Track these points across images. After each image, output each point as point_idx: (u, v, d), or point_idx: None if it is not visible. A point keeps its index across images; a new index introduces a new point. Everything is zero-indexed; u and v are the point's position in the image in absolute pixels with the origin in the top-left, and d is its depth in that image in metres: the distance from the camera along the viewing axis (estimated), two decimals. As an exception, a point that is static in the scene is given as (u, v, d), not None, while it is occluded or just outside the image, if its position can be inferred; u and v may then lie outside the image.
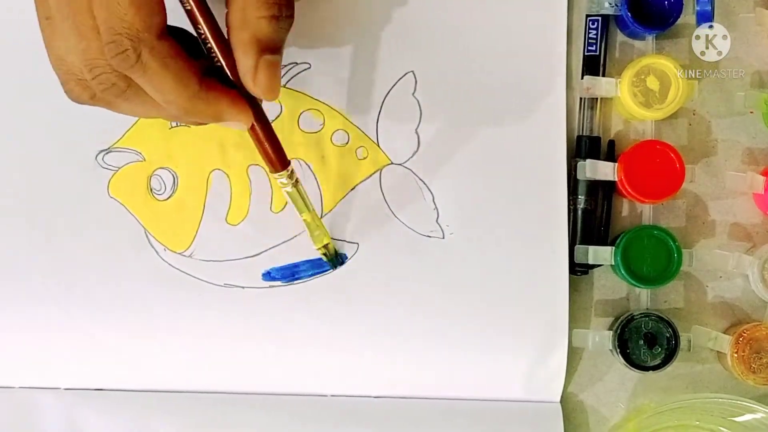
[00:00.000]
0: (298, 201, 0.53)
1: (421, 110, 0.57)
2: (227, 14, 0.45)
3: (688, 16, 0.57)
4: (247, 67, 0.44)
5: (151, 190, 0.57)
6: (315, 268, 0.57)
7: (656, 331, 0.55)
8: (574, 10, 0.58)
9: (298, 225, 0.56)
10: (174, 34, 0.44)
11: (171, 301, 0.56)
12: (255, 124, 0.48)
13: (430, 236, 0.57)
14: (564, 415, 0.56)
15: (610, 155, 0.58)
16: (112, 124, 0.57)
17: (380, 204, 0.57)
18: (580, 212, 0.57)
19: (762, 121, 0.57)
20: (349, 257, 0.57)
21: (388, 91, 0.57)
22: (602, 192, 0.57)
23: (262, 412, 0.56)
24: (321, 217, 0.57)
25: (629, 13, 0.55)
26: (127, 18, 0.41)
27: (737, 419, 0.55)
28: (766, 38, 0.58)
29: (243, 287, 0.56)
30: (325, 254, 0.56)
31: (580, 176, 0.56)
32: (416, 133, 0.57)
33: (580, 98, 0.58)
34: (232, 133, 0.56)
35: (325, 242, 0.55)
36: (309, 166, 0.57)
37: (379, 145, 0.57)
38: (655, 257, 0.55)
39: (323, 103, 0.57)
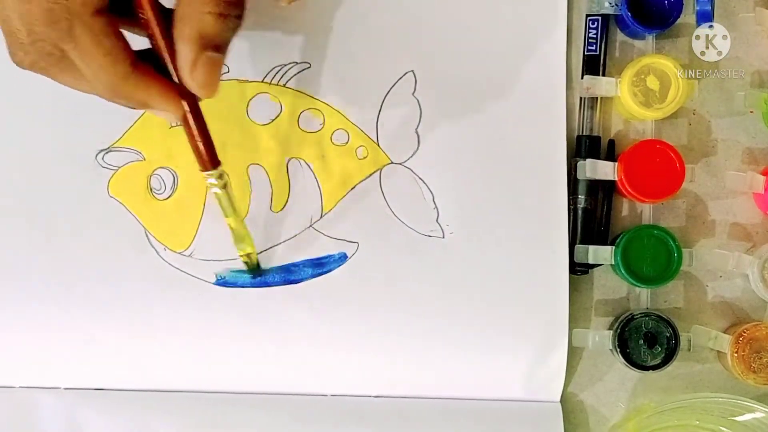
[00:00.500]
0: (225, 204, 0.52)
1: (421, 110, 0.57)
2: (175, 5, 0.44)
3: (688, 16, 0.57)
4: (187, 60, 0.44)
5: (151, 189, 0.57)
6: (315, 268, 0.57)
7: (656, 330, 0.55)
8: (574, 9, 0.58)
9: (298, 224, 0.56)
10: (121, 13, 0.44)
11: (171, 300, 0.56)
12: (189, 118, 0.47)
13: (430, 236, 0.57)
14: (564, 414, 0.56)
15: (610, 155, 0.58)
16: (112, 124, 0.57)
17: (380, 203, 0.57)
18: (580, 212, 0.57)
19: (762, 120, 0.57)
20: (349, 257, 0.57)
21: (388, 91, 0.57)
22: (602, 191, 0.57)
23: (262, 412, 0.56)
24: (321, 216, 0.57)
25: (629, 13, 0.55)
26: None
27: (737, 419, 0.55)
28: (765, 38, 0.58)
29: (242, 287, 0.56)
30: (246, 263, 0.55)
31: (580, 176, 0.57)
32: (416, 132, 0.57)
33: (580, 98, 0.58)
34: (233, 132, 0.56)
35: (248, 251, 0.55)
36: (309, 166, 0.57)
37: (379, 145, 0.57)
38: (655, 257, 0.55)
39: (323, 102, 0.57)
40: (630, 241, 0.55)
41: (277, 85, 0.57)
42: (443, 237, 0.57)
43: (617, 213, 0.58)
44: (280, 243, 0.57)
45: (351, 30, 0.57)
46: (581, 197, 0.57)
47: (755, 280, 0.56)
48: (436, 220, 0.57)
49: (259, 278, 0.56)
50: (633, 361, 0.55)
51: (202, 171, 0.50)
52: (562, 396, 0.57)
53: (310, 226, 0.57)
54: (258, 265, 0.56)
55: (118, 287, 0.56)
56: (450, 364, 0.56)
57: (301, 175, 0.57)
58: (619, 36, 0.58)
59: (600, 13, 0.57)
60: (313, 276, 0.56)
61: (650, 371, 0.55)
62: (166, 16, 0.45)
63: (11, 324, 0.56)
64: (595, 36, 0.57)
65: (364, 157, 0.57)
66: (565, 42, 0.57)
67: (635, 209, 0.58)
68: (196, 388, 0.57)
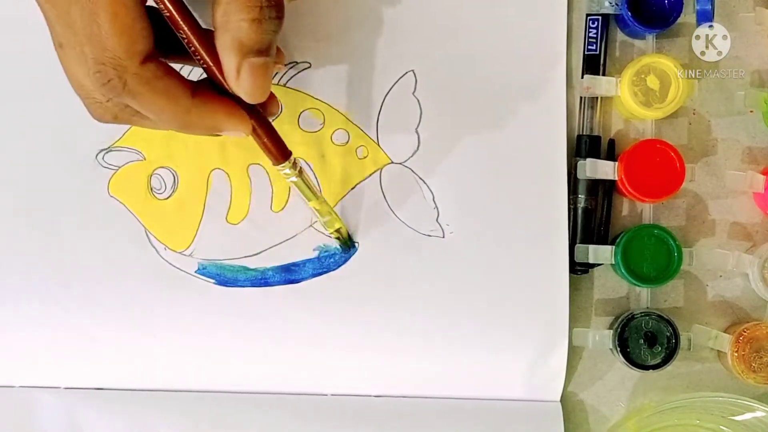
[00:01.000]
0: (305, 190, 0.52)
1: (421, 109, 0.57)
2: (213, 18, 0.44)
3: (688, 16, 0.57)
4: (230, 69, 0.44)
5: (151, 189, 0.57)
6: (315, 267, 0.57)
7: (656, 330, 0.55)
8: (574, 9, 0.58)
9: (298, 224, 0.56)
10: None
11: (171, 300, 0.56)
12: (256, 128, 0.48)
13: (430, 235, 0.57)
14: (564, 414, 0.56)
15: (611, 154, 0.58)
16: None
17: (380, 203, 0.57)
18: (580, 211, 0.57)
19: (762, 120, 0.57)
20: (349, 256, 0.57)
21: (389, 91, 0.57)
22: (602, 191, 0.57)
23: (263, 412, 0.56)
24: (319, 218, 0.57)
25: (629, 13, 0.55)
26: (109, 47, 0.42)
27: (737, 418, 0.55)
28: (765, 37, 0.58)
29: (243, 286, 0.56)
30: (338, 238, 0.56)
31: (580, 175, 0.57)
32: (416, 132, 0.57)
33: (581, 97, 0.58)
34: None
35: (337, 227, 0.55)
36: (309, 166, 0.57)
37: (379, 145, 0.57)
38: (655, 256, 0.55)
39: (323, 102, 0.57)
40: (630, 240, 0.55)
41: (277, 84, 0.57)
42: (443, 237, 0.57)
43: (617, 212, 0.58)
44: (281, 242, 0.57)
45: (351, 29, 0.57)
46: (581, 197, 0.57)
47: (755, 280, 0.56)
48: (437, 220, 0.57)
49: (351, 250, 0.57)
50: (633, 360, 0.55)
51: (275, 165, 0.50)
52: (562, 395, 0.57)
53: (311, 225, 0.57)
54: (350, 237, 0.56)
55: (118, 287, 0.56)
56: (450, 364, 0.56)
57: (301, 175, 0.57)
58: (619, 35, 0.58)
59: (600, 12, 0.57)
60: (314, 275, 0.56)
61: (650, 371, 0.55)
62: (208, 35, 0.45)
63: (11, 323, 0.56)
64: (595, 35, 0.57)
65: (365, 157, 0.57)
66: (565, 41, 0.57)
67: (635, 209, 0.58)
68: (196, 388, 0.57)
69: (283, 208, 0.57)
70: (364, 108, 0.57)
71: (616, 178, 0.56)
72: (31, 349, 0.56)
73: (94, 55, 0.42)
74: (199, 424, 0.56)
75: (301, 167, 0.51)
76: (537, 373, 0.56)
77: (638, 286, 0.56)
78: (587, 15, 0.58)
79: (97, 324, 0.56)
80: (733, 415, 0.55)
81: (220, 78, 0.45)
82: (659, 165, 0.55)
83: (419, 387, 0.57)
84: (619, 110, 0.58)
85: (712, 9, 0.55)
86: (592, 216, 0.57)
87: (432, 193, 0.57)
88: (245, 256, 0.56)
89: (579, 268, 0.57)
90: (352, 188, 0.57)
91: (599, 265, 0.57)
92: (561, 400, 0.57)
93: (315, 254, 0.56)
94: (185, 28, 0.44)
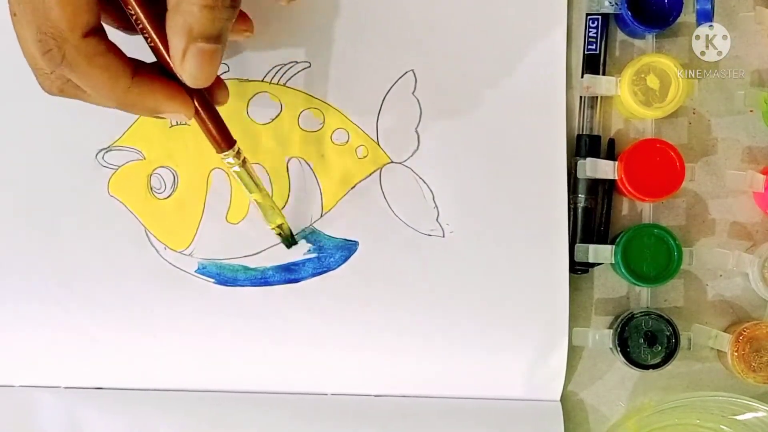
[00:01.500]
0: (247, 181, 0.52)
1: (421, 109, 0.57)
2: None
3: (688, 15, 0.57)
4: (176, 52, 0.43)
5: (151, 188, 0.57)
6: (315, 267, 0.57)
7: (656, 329, 0.55)
8: (574, 8, 0.58)
9: (298, 223, 0.56)
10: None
11: (171, 299, 0.56)
12: (200, 111, 0.47)
13: (430, 235, 0.57)
14: (564, 413, 0.56)
15: (611, 154, 0.58)
16: (112, 123, 0.57)
17: (380, 203, 0.57)
18: (580, 211, 0.57)
19: (762, 119, 0.57)
20: (349, 256, 0.57)
21: (388, 90, 0.57)
22: (602, 190, 0.57)
23: (263, 411, 0.56)
24: (321, 216, 0.57)
25: (629, 12, 0.55)
26: (51, 17, 0.41)
27: (737, 417, 0.55)
28: (766, 37, 0.58)
29: (243, 286, 0.56)
30: (279, 234, 0.55)
31: (580, 175, 0.57)
32: (416, 131, 0.57)
33: (580, 97, 0.58)
34: (232, 131, 0.56)
35: (278, 222, 0.55)
36: (309, 165, 0.57)
37: (379, 144, 0.57)
38: (655, 256, 0.55)
39: (323, 101, 0.57)
40: (630, 240, 0.55)
41: (277, 84, 0.57)
42: (443, 236, 0.57)
43: (617, 212, 0.58)
44: (281, 242, 0.57)
45: (351, 29, 0.57)
46: (581, 196, 0.57)
47: (755, 279, 0.56)
48: (436, 220, 0.57)
49: (293, 247, 0.56)
50: (633, 360, 0.55)
51: (219, 153, 0.49)
52: (562, 395, 0.57)
53: (311, 225, 0.57)
54: (291, 234, 0.56)
55: (118, 286, 0.56)
56: (450, 363, 0.56)
57: (301, 175, 0.57)
58: (619, 35, 0.58)
59: (600, 12, 0.57)
60: (313, 275, 0.57)
61: (650, 370, 0.55)
62: (159, 15, 0.44)
63: (11, 323, 0.56)
64: (595, 35, 0.57)
65: (364, 157, 0.57)
66: (565, 41, 0.57)
67: (635, 208, 0.58)
68: (196, 388, 0.57)
69: (283, 208, 0.57)
70: (364, 107, 0.57)
71: (616, 178, 0.56)
72: (31, 349, 0.57)
73: (37, 24, 0.42)
74: (199, 424, 0.56)
75: (245, 158, 0.51)
76: (537, 372, 0.56)
77: (638, 285, 0.56)
78: (587, 14, 0.58)
79: (97, 323, 0.56)
80: (733, 415, 0.55)
81: (167, 59, 0.45)
82: (659, 164, 0.55)
83: (419, 386, 0.57)
84: (619, 110, 0.58)
85: (712, 8, 0.55)
86: (592, 215, 0.57)
87: (432, 192, 0.57)
88: (245, 256, 0.57)
89: (579, 268, 0.57)
90: (352, 188, 0.57)
91: (599, 264, 0.57)
92: (561, 400, 0.57)
93: (314, 254, 0.56)
94: (134, 5, 0.44)
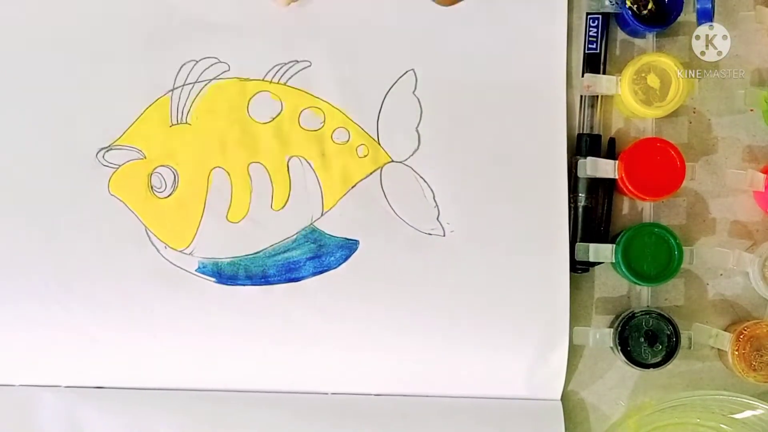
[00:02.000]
0: None
1: (421, 108, 0.57)
2: None
3: (688, 14, 0.57)
4: None
5: (151, 187, 0.57)
6: (316, 265, 0.57)
7: (657, 328, 0.55)
8: (574, 8, 0.58)
9: (299, 222, 0.56)
10: None
11: (171, 298, 0.56)
12: None
13: (430, 234, 0.57)
14: (565, 412, 0.56)
15: (611, 153, 0.58)
16: (113, 122, 0.57)
17: (381, 202, 0.57)
18: (580, 210, 0.57)
19: (762, 118, 0.57)
20: (349, 255, 0.57)
21: (389, 90, 0.57)
22: (603, 190, 0.57)
23: (263, 410, 0.56)
24: (321, 214, 0.57)
25: (630, 11, 0.55)
26: None
27: (738, 416, 0.55)
28: (766, 36, 0.58)
29: (243, 285, 0.56)
30: None
31: (580, 174, 0.57)
32: (417, 131, 0.57)
33: (581, 96, 0.58)
34: (233, 130, 0.56)
35: None
36: (310, 164, 0.57)
37: (379, 143, 0.57)
38: (655, 255, 0.55)
39: (324, 101, 0.57)
40: (631, 239, 0.55)
41: (278, 83, 0.57)
42: (444, 235, 0.57)
43: (618, 211, 0.58)
44: (281, 241, 0.57)
45: (352, 29, 0.57)
46: (582, 195, 0.57)
47: (755, 278, 0.56)
48: (437, 219, 0.57)
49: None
50: (634, 359, 0.55)
51: None
52: (562, 394, 0.57)
53: (311, 223, 0.57)
54: None
55: (118, 285, 0.56)
56: (450, 362, 0.56)
57: (302, 174, 0.57)
58: (620, 34, 0.58)
59: (600, 11, 0.57)
60: (314, 274, 0.57)
61: (651, 369, 0.55)
62: None
63: (11, 322, 0.56)
64: (595, 34, 0.57)
65: (365, 156, 0.57)
66: (565, 40, 0.57)
67: (636, 207, 0.58)
68: (196, 387, 0.57)
69: (283, 207, 0.57)
70: (364, 107, 0.57)
71: (617, 177, 0.56)
72: (32, 348, 0.57)
73: None
74: (199, 423, 0.56)
75: None
76: (537, 371, 0.56)
77: (639, 284, 0.56)
78: (587, 14, 0.58)
79: (97, 323, 0.56)
80: (733, 413, 0.55)
81: None
82: (659, 163, 0.55)
83: (419, 385, 0.57)
84: (620, 109, 0.58)
85: (712, 8, 0.55)
86: (593, 214, 0.57)
87: (432, 191, 0.57)
88: (246, 255, 0.56)
89: (579, 267, 0.57)
90: (353, 187, 0.57)
91: (600, 263, 0.57)
92: (561, 399, 0.57)
93: (315, 253, 0.56)
94: None
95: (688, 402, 0.55)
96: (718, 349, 0.57)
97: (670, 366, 0.55)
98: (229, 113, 0.57)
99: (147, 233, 0.57)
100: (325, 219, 0.57)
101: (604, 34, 0.58)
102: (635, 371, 0.57)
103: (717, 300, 0.58)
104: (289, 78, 0.57)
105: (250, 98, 0.57)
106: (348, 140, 0.57)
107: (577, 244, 0.56)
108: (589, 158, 0.56)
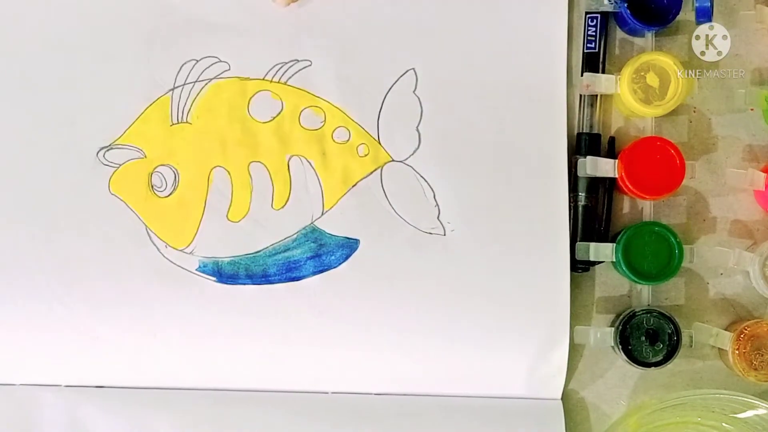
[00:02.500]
0: None
1: (422, 108, 0.57)
2: None
3: (687, 13, 0.57)
4: None
5: (152, 187, 0.57)
6: (316, 265, 0.57)
7: (658, 327, 0.55)
8: (573, 7, 0.58)
9: (299, 221, 0.56)
10: None
11: (172, 298, 0.56)
12: None
13: (431, 233, 0.57)
14: (565, 411, 0.56)
15: (611, 152, 0.58)
16: (113, 121, 0.57)
17: (381, 201, 0.57)
18: (580, 209, 0.57)
19: (762, 118, 0.57)
20: (350, 254, 0.57)
21: (389, 89, 0.57)
22: (603, 189, 0.57)
23: (263, 409, 0.56)
24: (322, 214, 0.57)
25: (628, 10, 0.55)
26: None
27: (738, 415, 0.55)
28: (766, 35, 0.58)
29: (244, 284, 0.56)
30: None
31: (580, 173, 0.57)
32: (417, 130, 0.57)
33: (580, 95, 0.58)
34: (234, 130, 0.57)
35: None
36: (310, 163, 0.57)
37: (380, 143, 0.57)
38: (656, 254, 0.55)
39: (324, 100, 0.57)
40: (631, 238, 0.55)
41: (279, 82, 0.57)
42: (444, 234, 0.57)
43: (618, 210, 0.58)
44: (282, 240, 0.57)
45: (352, 28, 0.57)
46: (582, 194, 0.57)
47: (756, 278, 0.56)
48: (437, 218, 0.57)
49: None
50: (635, 358, 0.55)
51: None
52: (563, 393, 0.57)
53: (312, 223, 0.57)
54: None
55: (119, 285, 0.56)
56: (451, 362, 0.56)
57: (303, 173, 0.57)
58: (619, 33, 0.59)
59: (599, 10, 0.57)
60: (315, 273, 0.57)
61: (652, 368, 0.55)
62: None
63: (12, 321, 0.56)
64: (594, 33, 0.58)
65: (365, 155, 0.57)
66: (565, 39, 0.58)
67: (636, 206, 0.58)
68: (197, 386, 0.57)
69: (284, 206, 0.57)
70: (365, 106, 0.57)
71: (617, 176, 0.56)
72: (32, 348, 0.57)
73: None
74: (200, 422, 0.56)
75: None
76: (538, 370, 0.56)
77: (639, 283, 0.56)
78: (586, 13, 0.58)
79: (98, 322, 0.56)
80: (734, 413, 0.55)
81: None
82: (659, 162, 0.55)
83: (419, 385, 0.57)
84: (619, 108, 0.58)
85: (711, 6, 0.55)
86: (593, 214, 0.57)
87: (433, 190, 0.57)
88: (246, 254, 0.57)
89: (580, 266, 0.57)
90: (353, 186, 0.57)
91: (600, 262, 0.57)
92: (562, 398, 0.57)
93: (316, 252, 0.56)
94: None
95: (689, 401, 0.55)
96: (719, 348, 0.57)
97: (670, 365, 0.55)
98: (229, 112, 0.57)
99: (147, 232, 0.57)
100: (325, 218, 0.57)
101: (603, 33, 0.58)
102: (636, 370, 0.56)
103: (717, 299, 0.58)
104: (290, 77, 0.57)
105: (251, 97, 0.57)
106: (348, 139, 0.57)
107: (578, 243, 0.56)
108: (589, 157, 0.56)
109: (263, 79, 0.57)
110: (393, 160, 0.57)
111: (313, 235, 0.57)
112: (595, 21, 0.58)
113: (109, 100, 0.57)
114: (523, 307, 0.56)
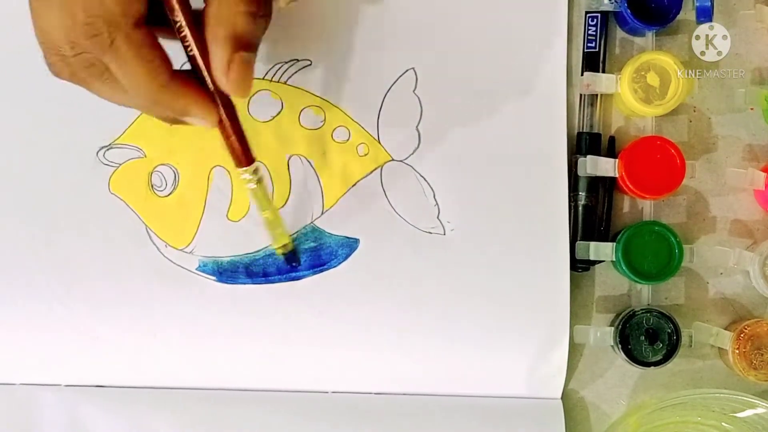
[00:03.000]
0: (261, 199, 0.52)
1: (421, 107, 0.57)
2: (205, 8, 0.44)
3: (688, 13, 0.57)
4: (221, 62, 0.44)
5: (152, 186, 0.57)
6: (316, 264, 0.57)
7: (658, 327, 0.55)
8: (573, 6, 0.58)
9: (299, 221, 0.56)
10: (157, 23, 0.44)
11: (172, 297, 0.56)
12: (223, 119, 0.47)
13: (431, 233, 0.57)
14: (565, 411, 0.56)
15: (611, 151, 0.58)
16: (113, 121, 0.57)
17: (381, 201, 0.57)
18: (580, 208, 0.57)
19: (762, 117, 0.57)
20: (350, 254, 0.57)
21: (389, 88, 0.57)
22: (603, 188, 0.57)
23: (263, 409, 0.56)
24: (321, 213, 0.57)
25: (629, 10, 0.55)
26: (106, 2, 0.41)
27: (738, 415, 0.55)
28: (766, 35, 0.58)
29: (244, 283, 0.56)
30: (283, 254, 0.56)
31: (580, 172, 0.57)
32: (417, 130, 0.57)
33: (581, 95, 0.58)
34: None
35: (283, 242, 0.55)
36: (310, 163, 0.57)
37: (380, 142, 0.57)
38: (656, 253, 0.55)
39: (324, 99, 0.57)
40: (631, 237, 0.55)
41: (278, 82, 0.57)
42: (444, 234, 0.57)
43: (618, 210, 0.58)
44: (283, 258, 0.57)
45: (352, 27, 0.57)
46: (582, 194, 0.57)
47: (756, 277, 0.56)
48: (437, 217, 0.57)
49: (293, 266, 0.57)
50: (634, 357, 0.55)
51: (237, 168, 0.49)
52: (563, 393, 0.57)
53: (311, 222, 0.57)
54: (294, 251, 0.56)
55: (119, 284, 0.56)
56: (451, 361, 0.56)
57: (302, 172, 0.57)
58: (619, 33, 0.59)
59: (599, 9, 0.57)
60: (314, 273, 0.57)
61: (651, 368, 0.55)
62: (197, 20, 0.45)
63: (12, 321, 0.56)
64: (594, 33, 0.58)
65: (365, 155, 0.57)
66: (565, 39, 0.57)
67: (636, 206, 0.58)
68: (197, 386, 0.57)
69: (283, 206, 0.57)
70: (364, 105, 0.57)
71: (617, 175, 0.56)
72: (32, 347, 0.56)
73: (86, 7, 0.41)
74: (200, 422, 0.56)
75: (261, 176, 0.51)
76: (538, 370, 0.56)
77: (639, 283, 0.56)
78: (586, 12, 0.58)
79: (98, 321, 0.56)
80: (734, 412, 0.55)
81: (203, 68, 0.45)
82: (660, 162, 0.55)
83: (420, 384, 0.57)
84: (619, 107, 0.58)
85: (712, 6, 0.55)
86: (593, 213, 0.57)
87: (433, 190, 0.57)
88: (246, 253, 0.57)
89: (580, 266, 0.57)
90: (353, 185, 0.57)
91: (600, 262, 0.57)
92: (562, 398, 0.57)
93: (315, 251, 0.56)
94: (180, 13, 0.44)
95: (689, 400, 0.55)
96: (719, 347, 0.57)
97: (670, 365, 0.55)
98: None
99: (147, 232, 0.57)
100: (325, 218, 0.57)
101: (603, 32, 0.58)
102: (636, 370, 0.56)
103: (717, 298, 0.58)
104: (290, 77, 0.57)
105: (250, 97, 0.57)
106: (348, 139, 0.57)
107: (578, 242, 0.56)
108: (589, 157, 0.56)
109: (263, 78, 0.57)
110: (393, 160, 0.57)
111: (312, 234, 0.57)
112: (595, 20, 0.58)
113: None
114: (523, 307, 0.56)
